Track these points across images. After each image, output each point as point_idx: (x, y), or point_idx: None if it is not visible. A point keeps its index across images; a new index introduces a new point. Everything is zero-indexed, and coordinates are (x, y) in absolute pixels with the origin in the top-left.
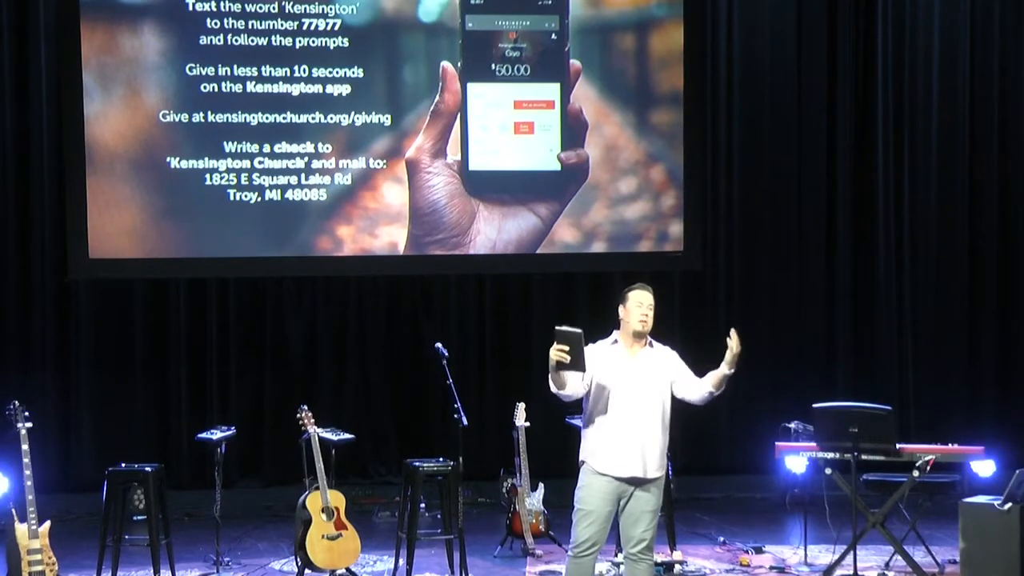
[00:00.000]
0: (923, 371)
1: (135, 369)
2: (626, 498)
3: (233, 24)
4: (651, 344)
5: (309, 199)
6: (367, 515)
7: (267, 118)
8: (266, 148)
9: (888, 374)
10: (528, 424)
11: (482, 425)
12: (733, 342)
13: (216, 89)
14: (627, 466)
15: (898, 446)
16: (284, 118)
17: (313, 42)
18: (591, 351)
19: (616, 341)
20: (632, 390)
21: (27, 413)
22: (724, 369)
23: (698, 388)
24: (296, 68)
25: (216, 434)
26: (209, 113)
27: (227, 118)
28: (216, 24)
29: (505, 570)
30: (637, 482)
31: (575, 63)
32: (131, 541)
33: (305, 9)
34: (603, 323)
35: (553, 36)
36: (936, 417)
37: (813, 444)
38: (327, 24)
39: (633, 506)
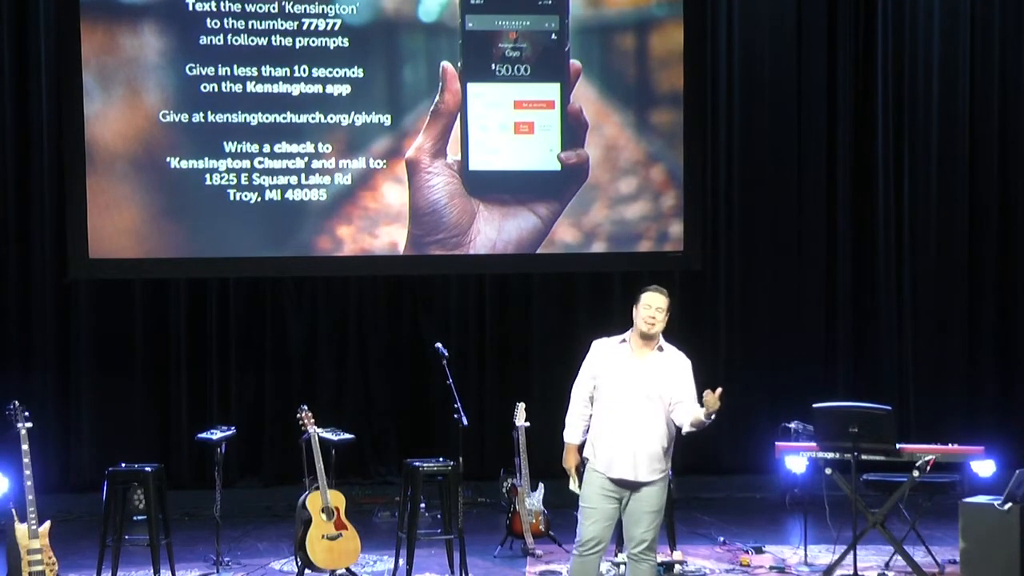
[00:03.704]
0: (923, 371)
1: (135, 369)
2: (627, 498)
3: (233, 24)
4: (661, 348)
5: (309, 199)
6: (367, 515)
7: (267, 118)
8: (266, 148)
9: (888, 374)
10: (528, 424)
11: (482, 425)
12: (711, 399)
13: (216, 89)
14: (617, 468)
15: (898, 446)
16: (284, 118)
17: (313, 42)
18: (599, 346)
19: (624, 340)
20: (630, 392)
21: (27, 413)
22: (701, 415)
23: (679, 417)
24: (296, 68)
25: (216, 434)
26: (209, 113)
27: (227, 118)
28: (216, 24)
29: (505, 570)
30: (627, 485)
31: (575, 63)
32: (131, 541)
33: (305, 9)
34: (603, 323)
35: (553, 36)
36: (936, 417)
37: (813, 444)
38: (327, 24)
39: (634, 506)
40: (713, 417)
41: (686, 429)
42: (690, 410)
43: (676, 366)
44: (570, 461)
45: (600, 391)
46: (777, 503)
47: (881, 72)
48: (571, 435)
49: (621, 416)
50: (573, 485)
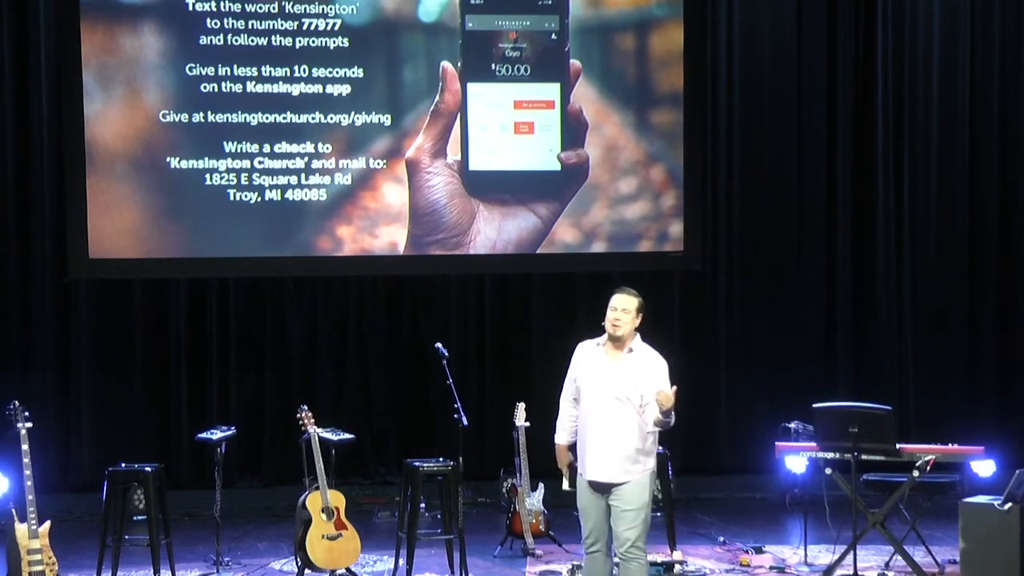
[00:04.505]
0: (923, 371)
1: (135, 369)
2: (607, 498)
3: (233, 24)
4: (631, 350)
5: (309, 199)
6: (367, 515)
7: (267, 118)
8: (266, 148)
9: (888, 374)
10: (528, 424)
11: (482, 425)
12: (661, 397)
13: (216, 89)
14: (591, 470)
15: (898, 446)
16: (284, 118)
17: (313, 42)
18: (580, 349)
19: (600, 343)
20: (601, 394)
21: (27, 413)
22: (659, 414)
23: (647, 417)
24: (296, 68)
25: (216, 434)
26: (209, 113)
27: (227, 118)
28: (216, 24)
29: (505, 570)
30: (602, 486)
31: (575, 63)
32: (131, 541)
33: (305, 9)
34: (603, 323)
35: (553, 36)
36: (936, 417)
37: (813, 444)
38: (327, 24)
39: (615, 506)
40: (672, 417)
41: (649, 429)
42: (655, 411)
43: (647, 367)
44: (561, 461)
45: (580, 393)
46: (777, 503)
47: (881, 72)
48: (560, 436)
49: (593, 418)
50: (565, 484)
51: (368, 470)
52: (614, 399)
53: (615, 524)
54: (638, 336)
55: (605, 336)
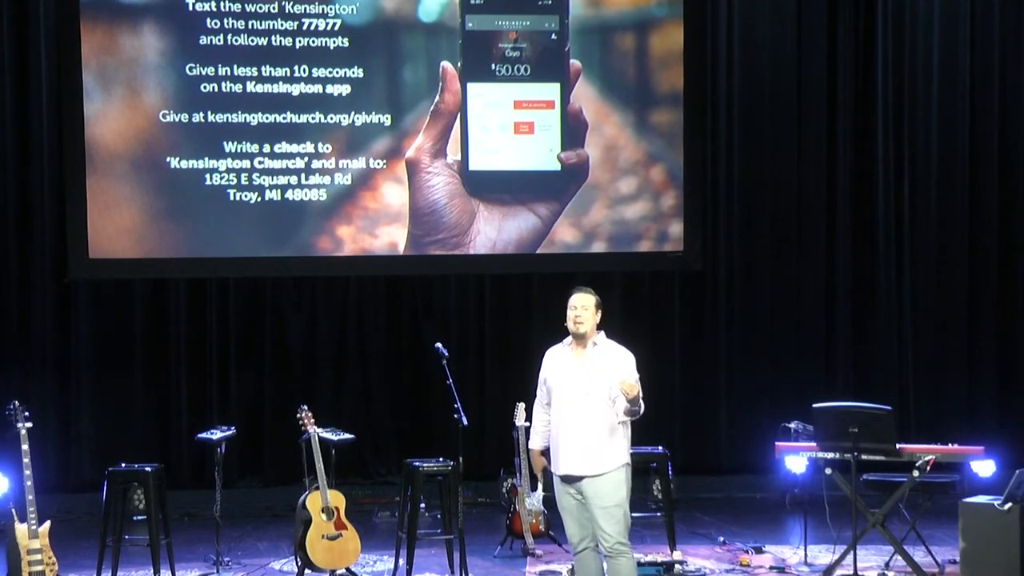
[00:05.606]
0: (923, 371)
1: (135, 369)
2: (583, 496)
3: (233, 24)
4: (594, 344)
5: (309, 199)
6: (367, 515)
7: (267, 118)
8: (266, 148)
9: (888, 374)
10: (528, 424)
11: (482, 425)
12: (625, 386)
13: (216, 89)
14: (563, 465)
15: (898, 446)
16: (284, 118)
17: (313, 42)
18: (548, 353)
19: (565, 345)
20: (569, 391)
21: (27, 413)
22: (627, 404)
23: (617, 409)
24: (296, 68)
25: (216, 434)
26: (209, 113)
27: (227, 118)
28: (216, 24)
29: (505, 570)
30: (574, 480)
31: (575, 63)
32: (131, 541)
33: (305, 9)
34: (602, 323)
35: (553, 36)
36: (936, 417)
37: (813, 444)
38: (327, 24)
39: (592, 503)
40: (640, 406)
41: (620, 419)
42: (624, 401)
43: (614, 360)
44: (536, 466)
45: (551, 395)
46: (777, 503)
47: (881, 72)
48: (533, 441)
49: (563, 415)
50: (540, 488)
51: (368, 470)
52: (582, 394)
53: (596, 522)
54: (602, 333)
55: (570, 337)
